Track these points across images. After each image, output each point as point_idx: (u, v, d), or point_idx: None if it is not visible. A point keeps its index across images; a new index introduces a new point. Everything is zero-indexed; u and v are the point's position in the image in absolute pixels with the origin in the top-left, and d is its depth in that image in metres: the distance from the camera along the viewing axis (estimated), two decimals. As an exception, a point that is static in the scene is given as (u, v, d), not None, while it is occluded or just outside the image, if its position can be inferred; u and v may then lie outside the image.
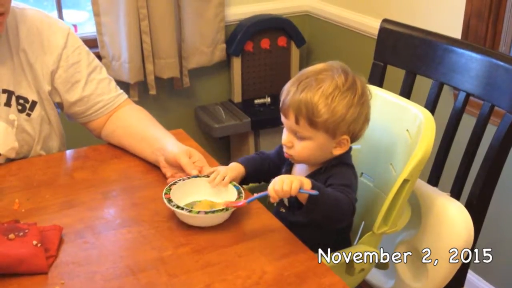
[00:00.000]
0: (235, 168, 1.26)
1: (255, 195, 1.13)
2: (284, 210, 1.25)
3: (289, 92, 1.15)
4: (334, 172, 1.18)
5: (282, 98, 1.17)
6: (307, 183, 1.08)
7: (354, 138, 1.18)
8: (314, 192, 1.07)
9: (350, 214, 1.14)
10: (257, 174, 1.29)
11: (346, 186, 1.15)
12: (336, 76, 1.14)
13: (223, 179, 1.20)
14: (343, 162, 1.19)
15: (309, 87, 1.13)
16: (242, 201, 1.14)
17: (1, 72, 1.37)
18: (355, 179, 1.19)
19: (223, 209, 1.13)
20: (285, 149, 1.20)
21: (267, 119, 2.52)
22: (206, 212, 1.12)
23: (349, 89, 1.14)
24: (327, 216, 1.12)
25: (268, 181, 1.30)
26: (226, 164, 1.28)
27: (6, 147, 1.38)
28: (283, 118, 1.18)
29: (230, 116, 2.53)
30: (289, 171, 1.27)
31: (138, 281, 1.01)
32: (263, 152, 1.33)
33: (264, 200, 1.40)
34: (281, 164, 1.28)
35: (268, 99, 2.62)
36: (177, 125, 1.73)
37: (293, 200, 1.23)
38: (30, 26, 1.40)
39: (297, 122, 1.14)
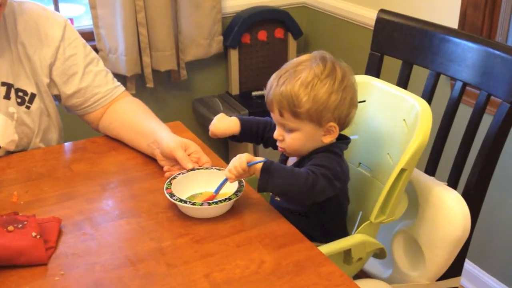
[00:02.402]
0: (226, 125, 1.30)
1: (218, 185, 1.17)
2: (278, 199, 1.25)
3: (271, 87, 1.18)
4: (315, 156, 1.18)
5: (266, 93, 1.20)
6: (258, 159, 1.11)
7: (342, 124, 1.19)
8: (262, 159, 1.10)
9: (310, 187, 1.10)
10: (251, 137, 1.33)
11: (318, 166, 1.14)
12: (314, 65, 1.15)
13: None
14: (328, 149, 1.19)
15: (289, 79, 1.15)
16: (213, 194, 1.17)
17: (0, 64, 1.37)
18: (339, 167, 1.17)
19: (226, 199, 1.14)
20: (277, 143, 1.22)
21: (265, 111, 2.50)
22: (209, 204, 1.13)
23: (328, 76, 1.15)
24: (284, 189, 1.12)
25: (265, 146, 1.36)
26: (225, 158, 1.29)
27: (6, 139, 1.38)
28: (271, 113, 1.20)
29: (227, 108, 2.53)
30: (285, 161, 1.29)
31: (137, 271, 1.01)
32: (269, 120, 1.32)
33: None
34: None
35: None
36: (175, 118, 1.73)
37: None
38: (28, 19, 1.40)
39: (281, 115, 1.17)
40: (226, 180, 1.15)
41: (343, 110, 1.17)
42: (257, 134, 1.33)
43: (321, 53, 1.18)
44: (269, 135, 1.32)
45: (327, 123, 1.16)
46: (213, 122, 1.30)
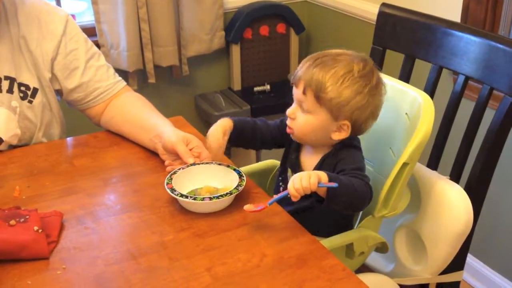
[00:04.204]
0: (218, 137, 1.22)
1: (275, 196, 1.11)
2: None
3: (303, 64, 1.18)
4: (343, 155, 1.18)
5: (296, 70, 1.19)
6: (324, 176, 1.08)
7: (356, 128, 1.18)
8: (333, 184, 1.08)
9: (369, 197, 1.15)
10: (241, 139, 1.28)
11: (359, 169, 1.16)
12: (354, 61, 1.15)
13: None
14: (352, 144, 1.20)
15: (324, 64, 1.15)
16: (262, 205, 1.11)
17: (2, 59, 1.37)
18: (364, 164, 1.20)
19: (227, 194, 1.14)
20: (288, 122, 1.21)
21: (267, 107, 2.52)
22: (211, 198, 1.13)
23: (362, 77, 1.15)
24: (349, 205, 1.13)
25: (256, 149, 1.31)
26: (226, 154, 1.28)
27: (9, 133, 1.38)
28: (294, 89, 1.20)
29: (229, 104, 2.53)
30: (298, 158, 1.26)
31: (139, 265, 1.01)
32: (263, 120, 1.31)
33: (264, 185, 1.41)
34: (280, 137, 1.28)
35: (268, 87, 2.62)
36: (177, 113, 1.72)
37: None
38: (29, 13, 1.40)
39: (304, 92, 1.16)
40: (285, 194, 1.09)
41: (363, 115, 1.16)
42: (250, 134, 1.28)
43: (364, 54, 1.19)
44: (263, 134, 1.29)
45: (342, 119, 1.16)
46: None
